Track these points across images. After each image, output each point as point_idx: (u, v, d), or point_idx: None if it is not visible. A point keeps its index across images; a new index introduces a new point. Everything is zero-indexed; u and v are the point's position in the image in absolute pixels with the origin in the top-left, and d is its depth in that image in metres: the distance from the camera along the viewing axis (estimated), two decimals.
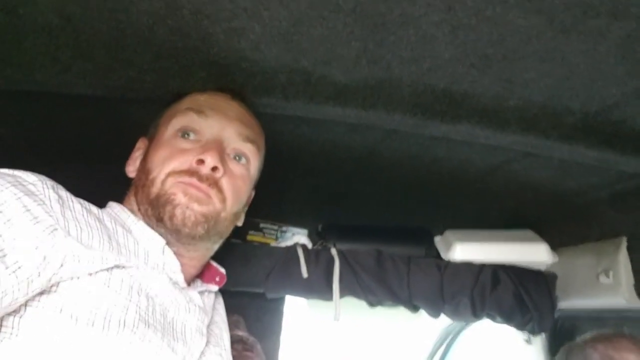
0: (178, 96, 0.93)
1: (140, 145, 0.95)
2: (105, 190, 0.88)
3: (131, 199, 0.88)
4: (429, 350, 2.42)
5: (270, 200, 1.25)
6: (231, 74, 0.88)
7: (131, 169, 0.93)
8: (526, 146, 1.00)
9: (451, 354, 2.40)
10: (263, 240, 1.47)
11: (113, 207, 0.87)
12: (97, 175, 1.14)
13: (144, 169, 0.87)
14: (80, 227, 0.70)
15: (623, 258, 1.22)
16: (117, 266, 0.72)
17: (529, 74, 0.79)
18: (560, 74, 0.77)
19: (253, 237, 1.47)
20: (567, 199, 1.30)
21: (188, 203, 0.81)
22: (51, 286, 0.65)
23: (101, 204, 0.84)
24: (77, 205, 0.73)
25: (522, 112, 0.89)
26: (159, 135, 0.89)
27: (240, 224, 0.97)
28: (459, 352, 2.40)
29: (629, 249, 1.21)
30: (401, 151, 1.17)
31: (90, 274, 0.68)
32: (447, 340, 2.36)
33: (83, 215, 0.73)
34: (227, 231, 0.91)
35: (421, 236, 1.55)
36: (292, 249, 1.41)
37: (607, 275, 1.25)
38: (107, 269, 0.70)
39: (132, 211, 0.85)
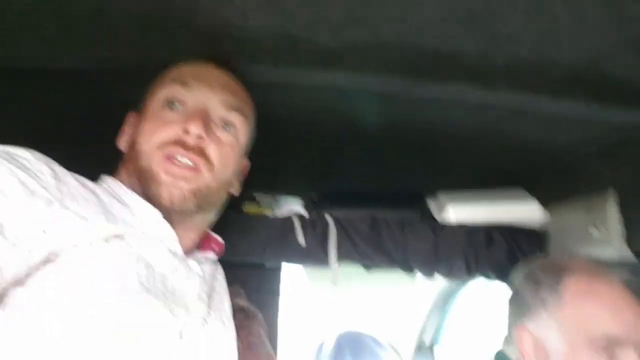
0: (165, 68, 0.93)
1: (130, 119, 0.95)
2: (95, 166, 0.88)
3: (122, 172, 0.89)
4: (426, 312, 2.47)
5: (264, 171, 1.26)
6: (218, 43, 0.88)
7: (122, 143, 0.93)
8: (515, 103, 1.01)
9: (450, 313, 2.46)
10: (259, 210, 1.48)
11: (107, 180, 0.87)
12: (86, 151, 1.14)
13: (132, 142, 0.88)
14: (76, 200, 0.70)
15: (612, 210, 1.24)
16: (115, 236, 0.73)
17: (515, 28, 0.79)
18: (546, 28, 0.78)
19: (249, 208, 1.48)
20: (556, 155, 1.31)
21: (174, 181, 0.82)
22: (51, 257, 0.66)
23: (92, 179, 0.84)
24: (71, 179, 0.74)
25: (510, 69, 0.90)
26: (146, 108, 0.90)
27: (236, 193, 0.97)
28: (457, 311, 2.46)
29: (617, 201, 1.24)
30: (391, 115, 1.17)
31: (90, 244, 0.69)
32: (445, 301, 2.41)
33: (78, 188, 0.73)
34: (221, 200, 0.92)
35: (414, 200, 1.57)
36: (289, 219, 1.43)
37: (598, 229, 1.27)
38: (105, 239, 0.71)
39: (124, 184, 0.86)
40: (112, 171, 0.90)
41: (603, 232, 1.26)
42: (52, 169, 0.71)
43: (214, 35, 0.85)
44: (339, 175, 1.57)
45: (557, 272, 1.08)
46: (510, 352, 1.11)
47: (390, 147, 1.37)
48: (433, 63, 0.89)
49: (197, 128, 0.83)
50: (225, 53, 0.90)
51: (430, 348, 2.50)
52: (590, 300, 1.01)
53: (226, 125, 0.90)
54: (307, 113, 1.17)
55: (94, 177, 0.85)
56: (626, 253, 1.22)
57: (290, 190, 1.56)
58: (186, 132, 0.83)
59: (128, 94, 0.98)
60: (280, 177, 1.56)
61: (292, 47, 0.87)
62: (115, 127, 0.95)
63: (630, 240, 1.21)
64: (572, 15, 0.75)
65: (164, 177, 0.81)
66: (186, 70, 0.91)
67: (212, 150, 0.86)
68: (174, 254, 0.84)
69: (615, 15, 0.74)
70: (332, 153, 1.43)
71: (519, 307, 1.11)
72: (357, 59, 0.90)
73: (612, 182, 1.26)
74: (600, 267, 1.07)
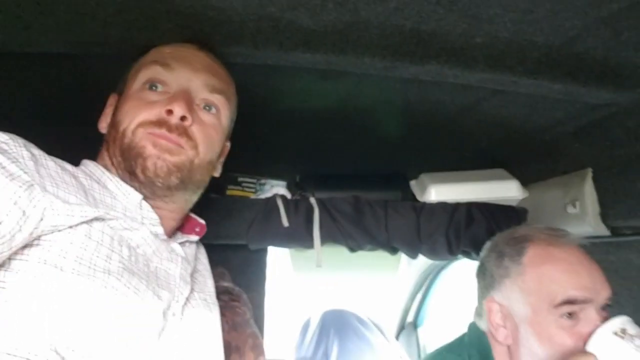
0: (146, 49, 0.92)
1: (111, 101, 0.94)
2: (76, 149, 0.88)
3: (104, 154, 0.88)
4: (409, 291, 2.51)
5: (247, 154, 1.26)
6: (198, 24, 0.87)
7: (103, 125, 0.93)
8: (494, 83, 1.02)
9: (432, 292, 2.50)
10: (242, 194, 1.49)
11: (87, 164, 0.87)
12: (66, 135, 1.13)
13: (114, 123, 0.87)
14: (56, 184, 0.70)
15: (588, 188, 1.28)
16: (96, 218, 0.73)
17: (494, 9, 0.80)
18: (524, 7, 0.79)
19: (232, 191, 1.49)
20: (535, 135, 1.34)
21: (159, 154, 0.82)
22: (33, 240, 0.66)
23: (73, 163, 0.84)
24: (51, 163, 0.74)
25: (489, 49, 0.91)
26: (127, 89, 0.89)
27: (217, 174, 0.98)
28: (439, 289, 2.50)
29: (593, 179, 1.27)
30: (373, 96, 1.18)
31: (71, 227, 0.69)
32: (427, 281, 2.45)
33: (57, 172, 0.73)
34: (204, 181, 0.92)
35: (397, 181, 1.59)
36: (272, 199, 1.44)
37: (574, 206, 1.31)
38: (87, 222, 0.71)
39: (106, 167, 0.86)
40: (94, 154, 0.90)
41: (580, 209, 1.29)
42: (32, 153, 0.70)
43: (193, 16, 0.85)
44: (322, 157, 1.58)
45: (518, 242, 1.11)
46: (482, 324, 1.15)
47: (373, 129, 1.38)
48: (413, 43, 0.90)
49: (180, 109, 0.83)
50: (206, 35, 0.90)
51: (414, 326, 2.55)
52: (549, 265, 1.05)
53: (208, 107, 0.90)
54: (289, 95, 1.18)
55: (74, 159, 0.85)
56: (601, 229, 1.25)
57: (274, 173, 1.57)
58: (169, 112, 0.83)
59: (107, 76, 0.97)
60: (262, 160, 1.57)
61: (273, 28, 0.87)
62: (95, 110, 0.94)
63: (605, 217, 1.24)
64: None
65: (150, 149, 0.81)
66: (167, 51, 0.90)
67: (195, 131, 0.86)
68: (156, 236, 0.84)
69: None
70: (315, 135, 1.43)
71: (485, 280, 1.15)
72: (337, 40, 0.90)
73: (588, 161, 1.29)
74: (559, 234, 1.11)
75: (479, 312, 1.18)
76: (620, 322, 0.94)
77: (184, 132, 0.84)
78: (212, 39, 0.90)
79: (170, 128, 0.83)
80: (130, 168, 0.82)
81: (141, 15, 0.84)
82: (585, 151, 1.29)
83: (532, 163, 1.51)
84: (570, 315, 0.99)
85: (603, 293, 1.02)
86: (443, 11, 0.80)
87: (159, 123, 0.83)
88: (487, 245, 1.21)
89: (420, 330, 2.55)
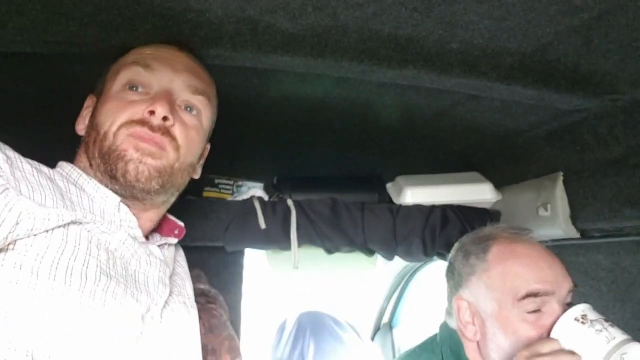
0: (124, 50, 0.91)
1: (89, 102, 0.93)
2: (53, 151, 0.87)
3: (82, 156, 0.87)
4: (385, 293, 2.53)
5: (224, 156, 1.25)
6: (177, 26, 0.86)
7: (81, 127, 0.91)
8: (469, 88, 1.05)
9: (407, 294, 2.52)
10: (219, 196, 1.48)
11: (64, 167, 0.86)
12: (43, 136, 1.11)
13: (93, 125, 0.86)
14: (32, 187, 0.69)
15: (560, 192, 1.31)
16: (73, 222, 0.72)
17: (469, 16, 0.81)
18: (498, 15, 0.80)
19: (209, 193, 1.48)
20: (508, 139, 1.37)
21: (141, 158, 0.81)
22: (9, 244, 0.65)
23: (49, 165, 0.83)
24: (27, 166, 0.72)
25: (464, 55, 0.93)
26: (106, 91, 0.88)
27: (197, 177, 0.97)
28: (414, 291, 2.52)
29: (565, 183, 1.30)
30: (351, 100, 1.19)
31: (47, 231, 0.68)
32: (403, 283, 2.48)
33: (34, 175, 0.72)
34: (184, 183, 0.92)
35: (374, 183, 1.61)
36: (249, 202, 1.43)
37: (546, 209, 1.34)
38: (64, 226, 0.70)
39: (83, 170, 0.85)
40: (71, 155, 0.88)
41: (551, 212, 1.32)
42: (7, 155, 0.69)
43: (172, 18, 0.84)
44: (299, 160, 1.59)
45: (483, 241, 1.15)
46: (452, 323, 1.18)
47: (350, 132, 1.39)
48: (391, 48, 0.91)
49: (163, 109, 0.82)
50: (184, 37, 0.89)
51: (389, 328, 2.57)
52: (512, 260, 1.08)
53: (190, 108, 0.89)
54: (267, 97, 1.18)
55: (50, 161, 0.83)
56: (572, 232, 1.29)
57: (251, 175, 1.56)
58: (152, 113, 0.82)
59: (84, 76, 0.96)
60: (240, 162, 1.56)
61: (252, 31, 0.87)
62: (72, 111, 0.93)
63: (575, 220, 1.28)
64: (523, 4, 0.78)
65: (132, 153, 0.80)
66: (148, 52, 0.89)
67: (178, 131, 0.85)
68: (135, 239, 0.83)
69: (563, 4, 0.78)
70: (293, 138, 1.44)
71: (454, 279, 1.18)
72: (316, 44, 0.90)
73: (559, 165, 1.33)
74: (522, 232, 1.15)
75: (449, 312, 1.20)
76: (582, 309, 0.98)
77: (167, 133, 0.84)
78: (191, 40, 0.90)
79: (153, 128, 0.82)
80: (111, 172, 0.81)
81: (119, 16, 0.83)
82: (557, 155, 1.32)
83: (505, 166, 1.54)
84: (535, 308, 1.02)
85: (565, 286, 1.05)
86: (420, 17, 0.82)
87: (142, 122, 0.82)
88: (456, 246, 1.24)
89: (395, 331, 2.57)
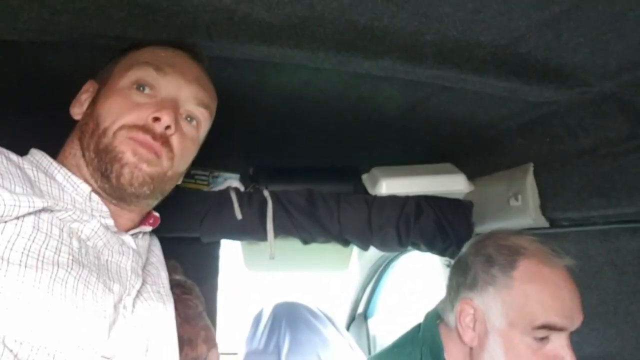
0: (136, 45, 0.91)
1: (89, 87, 0.92)
2: (23, 139, 0.85)
3: (74, 142, 0.86)
4: (360, 283, 2.55)
5: (200, 147, 1.24)
6: (152, 14, 0.85)
7: (77, 110, 0.90)
8: (442, 80, 1.06)
9: (382, 284, 2.55)
10: (195, 186, 1.48)
11: (34, 154, 0.85)
12: (13, 124, 1.08)
13: (93, 115, 0.85)
14: (1, 174, 0.69)
15: (530, 182, 1.34)
16: (45, 210, 0.71)
17: (444, 8, 0.83)
18: (472, 8, 0.82)
19: (185, 184, 1.46)
20: (480, 130, 1.39)
21: (137, 163, 0.81)
22: None
23: (20, 154, 0.81)
24: None
25: (438, 47, 0.94)
26: (112, 83, 0.87)
27: (180, 182, 0.98)
28: (389, 281, 2.56)
29: (535, 173, 1.34)
30: (327, 91, 1.19)
31: (18, 218, 0.67)
32: (378, 273, 2.50)
33: (2, 162, 0.71)
34: (170, 189, 0.93)
35: (349, 174, 1.62)
36: (225, 192, 1.43)
37: (517, 199, 1.37)
38: (35, 213, 0.70)
39: (72, 155, 0.84)
40: (43, 143, 0.87)
41: (521, 202, 1.35)
42: None
43: (147, 6, 0.83)
44: (275, 150, 1.59)
45: (511, 253, 1.09)
46: (450, 318, 1.15)
47: (326, 123, 1.40)
48: (367, 39, 0.92)
49: (169, 118, 0.82)
50: (160, 25, 0.88)
51: (364, 318, 2.60)
52: (538, 285, 1.04)
53: (190, 118, 0.90)
54: (243, 87, 1.18)
55: (19, 150, 0.82)
56: (541, 221, 1.32)
57: (227, 165, 1.56)
58: (156, 119, 0.82)
59: (57, 65, 0.94)
60: (216, 152, 1.55)
61: (228, 20, 0.87)
62: (45, 99, 0.91)
63: (544, 209, 1.31)
64: None
65: (129, 156, 0.80)
66: (162, 55, 0.90)
67: (175, 141, 0.86)
68: (107, 228, 0.83)
69: None
70: (269, 128, 1.44)
71: (466, 280, 1.13)
72: (292, 34, 0.91)
73: (530, 156, 1.36)
74: (552, 253, 1.09)
75: (446, 306, 1.17)
76: None
77: (166, 142, 0.84)
78: (166, 29, 0.89)
79: (155, 136, 0.82)
80: (105, 170, 0.81)
81: (92, 3, 0.82)
82: (527, 146, 1.35)
83: (477, 157, 1.57)
84: (544, 338, 1.02)
85: (577, 321, 1.04)
86: (395, 9, 0.83)
87: (145, 129, 0.82)
88: (472, 243, 1.19)
89: (370, 321, 2.60)
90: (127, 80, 0.86)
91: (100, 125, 0.82)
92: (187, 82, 0.89)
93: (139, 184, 0.82)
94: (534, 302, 1.03)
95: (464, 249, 1.20)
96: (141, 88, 0.86)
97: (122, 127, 0.82)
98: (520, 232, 1.16)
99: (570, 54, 0.94)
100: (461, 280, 1.14)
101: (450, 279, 1.19)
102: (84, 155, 0.83)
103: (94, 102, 0.88)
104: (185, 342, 1.13)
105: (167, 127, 0.83)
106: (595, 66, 0.98)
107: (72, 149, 0.86)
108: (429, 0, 0.80)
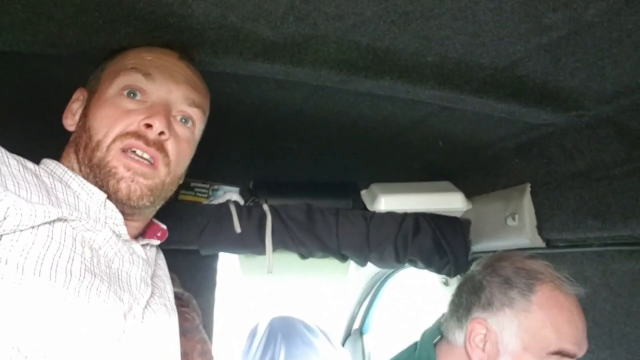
0: (121, 49, 0.90)
1: (79, 96, 0.91)
2: (33, 148, 0.86)
3: (71, 156, 0.86)
4: (356, 299, 2.55)
5: (200, 159, 1.25)
6: (158, 30, 0.87)
7: (70, 122, 0.90)
8: (442, 100, 1.08)
9: (378, 300, 2.55)
10: (195, 199, 1.48)
11: (47, 163, 0.85)
12: (23, 134, 1.10)
13: (85, 126, 0.84)
14: (18, 183, 0.69)
15: (527, 202, 1.35)
16: (59, 219, 0.72)
17: (444, 31, 0.84)
18: (472, 31, 0.84)
19: (185, 196, 1.48)
20: (478, 150, 1.41)
21: (133, 177, 0.81)
22: None
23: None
24: (13, 161, 0.72)
25: (439, 68, 0.96)
26: (101, 91, 0.86)
27: (181, 181, 0.98)
28: (385, 298, 2.55)
29: (532, 193, 1.35)
30: (328, 108, 1.21)
31: (33, 227, 0.68)
32: (374, 289, 2.50)
33: (19, 170, 0.72)
34: (172, 193, 0.92)
35: (348, 190, 1.63)
36: (225, 205, 1.44)
37: (514, 219, 1.38)
38: (49, 222, 0.70)
39: (70, 168, 0.84)
40: (51, 153, 0.87)
41: (518, 222, 1.37)
42: None
43: (154, 22, 0.85)
44: (275, 165, 1.60)
45: (529, 277, 1.08)
46: (459, 336, 1.13)
47: (326, 139, 1.41)
48: (369, 59, 0.94)
49: (161, 124, 0.82)
50: (166, 41, 0.90)
51: (360, 333, 2.59)
52: (556, 311, 1.04)
53: (185, 119, 0.89)
54: (245, 103, 1.19)
55: (31, 159, 0.83)
56: (537, 241, 1.33)
57: (227, 179, 1.57)
58: (148, 126, 0.82)
59: (64, 76, 0.95)
60: (216, 165, 1.57)
61: (233, 38, 0.88)
62: (52, 109, 0.92)
63: (541, 230, 1.32)
64: (496, 21, 0.81)
65: (123, 171, 0.80)
66: (149, 59, 0.88)
67: (170, 146, 0.85)
68: (119, 236, 0.83)
69: (533, 23, 0.81)
70: (269, 143, 1.45)
71: (480, 299, 1.11)
72: (295, 52, 0.92)
73: (527, 176, 1.37)
74: (565, 280, 1.09)
75: (456, 324, 1.15)
76: None
77: (161, 147, 0.83)
78: (172, 45, 0.91)
79: (148, 142, 0.82)
80: (101, 187, 0.80)
81: (100, 17, 0.83)
82: (525, 167, 1.37)
83: (476, 177, 1.58)
84: None
85: (584, 349, 1.06)
86: (398, 30, 0.85)
87: (137, 135, 0.81)
88: (487, 263, 1.17)
89: (366, 337, 2.59)
90: (116, 88, 0.85)
91: (93, 138, 0.82)
92: (177, 84, 0.88)
93: (137, 197, 0.81)
94: (550, 327, 1.03)
95: (476, 268, 1.18)
96: (131, 94, 0.85)
97: (115, 139, 0.81)
98: (533, 256, 1.16)
99: (568, 78, 0.96)
100: (474, 299, 1.12)
101: (459, 296, 1.17)
102: (80, 170, 0.83)
103: (85, 112, 0.87)
104: (181, 355, 1.13)
105: (161, 132, 0.83)
106: (592, 90, 1.00)
107: (69, 162, 0.85)
108: (431, 23, 0.82)
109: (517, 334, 1.05)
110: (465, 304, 1.14)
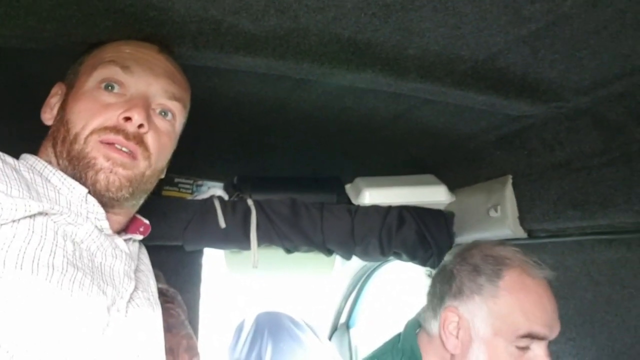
0: (100, 43, 0.89)
1: (57, 90, 0.90)
2: (10, 144, 0.85)
3: (48, 150, 0.85)
4: (343, 293, 2.56)
5: (184, 155, 1.25)
6: (138, 23, 0.86)
7: (48, 116, 0.89)
8: (424, 93, 1.09)
9: (364, 294, 2.56)
10: (179, 194, 1.48)
11: (27, 158, 0.84)
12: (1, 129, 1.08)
13: (63, 120, 0.84)
14: None
15: (509, 194, 1.37)
16: (40, 213, 0.71)
17: (425, 23, 0.85)
18: (452, 24, 0.85)
19: (169, 192, 1.47)
20: (460, 143, 1.42)
21: (112, 167, 0.80)
22: None
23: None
24: None
25: (420, 60, 0.97)
26: (79, 84, 0.86)
27: (162, 176, 0.97)
28: (371, 292, 2.57)
29: (513, 185, 1.37)
30: (311, 102, 1.21)
31: (14, 221, 0.67)
32: (360, 283, 2.52)
33: None
34: (152, 187, 0.92)
35: (333, 184, 1.64)
36: (209, 200, 1.43)
37: (496, 210, 1.40)
38: (30, 216, 0.70)
39: (48, 162, 0.83)
40: (29, 149, 0.86)
41: (500, 213, 1.38)
42: None
43: (133, 15, 0.84)
44: (259, 159, 1.60)
45: (497, 263, 1.10)
46: (433, 326, 1.16)
47: (310, 133, 1.41)
48: (350, 52, 0.94)
49: (140, 117, 0.81)
50: (146, 34, 0.89)
51: (346, 327, 2.60)
52: (523, 295, 1.06)
53: (164, 112, 0.89)
54: (228, 97, 1.19)
55: (9, 154, 0.82)
56: (519, 232, 1.35)
57: (211, 174, 1.56)
58: (127, 119, 0.81)
59: (43, 71, 0.94)
60: (200, 161, 1.56)
61: (214, 31, 0.88)
62: (30, 104, 0.91)
63: (522, 220, 1.34)
64: (476, 13, 0.82)
65: (102, 162, 0.79)
66: (127, 52, 0.87)
67: (150, 139, 0.84)
68: (101, 231, 0.83)
69: (512, 15, 0.82)
70: (253, 137, 1.45)
71: (451, 288, 1.13)
72: (277, 46, 0.92)
73: (508, 168, 1.39)
74: (533, 264, 1.11)
75: (431, 314, 1.17)
76: None
77: (141, 141, 0.83)
78: (153, 38, 0.90)
79: (127, 136, 0.81)
80: (80, 178, 0.79)
81: (79, 11, 0.83)
82: (506, 159, 1.38)
83: (458, 169, 1.60)
84: (525, 346, 1.04)
85: (556, 331, 1.07)
86: (379, 23, 0.85)
87: (116, 130, 0.80)
88: (457, 252, 1.19)
89: (352, 331, 2.61)
90: (94, 81, 0.84)
91: (71, 131, 0.81)
92: (156, 77, 0.87)
93: (116, 189, 0.81)
94: (518, 311, 1.05)
95: (448, 258, 1.21)
96: (109, 87, 0.84)
97: (92, 132, 0.80)
98: (503, 242, 1.18)
99: (547, 70, 0.97)
100: (445, 288, 1.15)
101: (433, 287, 1.20)
102: (58, 164, 0.82)
103: (63, 106, 0.86)
104: (167, 351, 1.13)
105: (140, 125, 0.82)
106: (570, 82, 1.01)
107: (47, 156, 0.84)
108: (411, 15, 0.83)
109: (487, 320, 1.07)
110: (438, 293, 1.17)
